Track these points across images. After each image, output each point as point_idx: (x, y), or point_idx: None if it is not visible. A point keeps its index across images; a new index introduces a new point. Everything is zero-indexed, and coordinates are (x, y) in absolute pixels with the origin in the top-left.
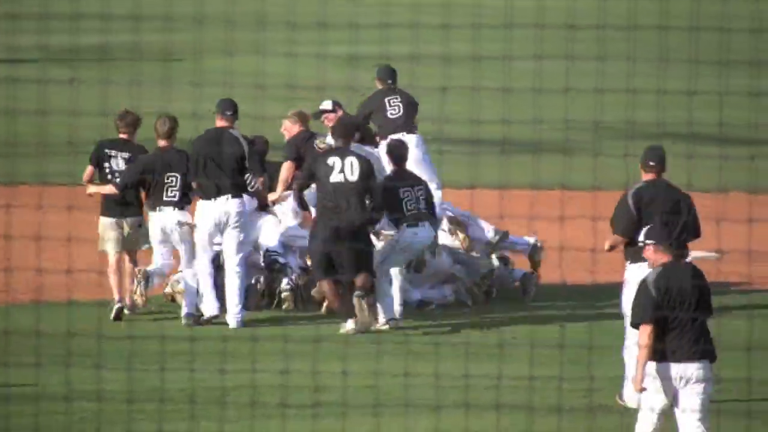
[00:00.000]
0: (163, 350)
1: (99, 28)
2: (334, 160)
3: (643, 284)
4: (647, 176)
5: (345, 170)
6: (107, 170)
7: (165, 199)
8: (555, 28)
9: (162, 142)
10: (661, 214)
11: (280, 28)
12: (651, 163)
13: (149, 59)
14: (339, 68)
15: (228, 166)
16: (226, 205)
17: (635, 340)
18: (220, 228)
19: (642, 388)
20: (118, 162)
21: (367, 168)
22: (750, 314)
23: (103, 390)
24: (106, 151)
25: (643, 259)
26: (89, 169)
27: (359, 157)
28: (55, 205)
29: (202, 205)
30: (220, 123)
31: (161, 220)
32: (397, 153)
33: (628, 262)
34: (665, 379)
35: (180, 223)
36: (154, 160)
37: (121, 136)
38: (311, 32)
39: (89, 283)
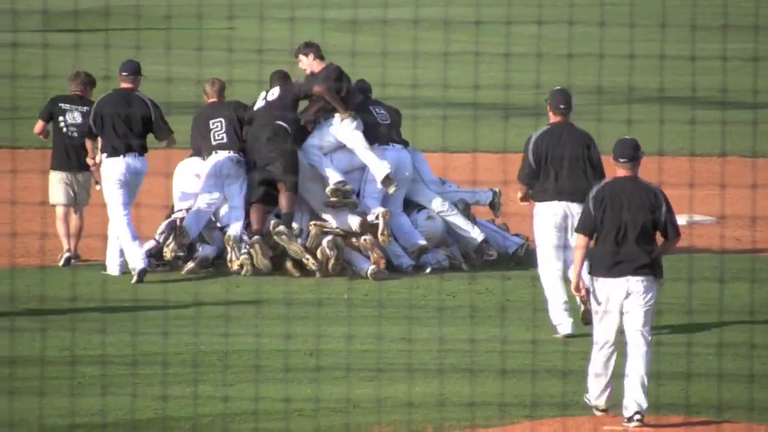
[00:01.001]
0: (166, 314)
1: None
2: (260, 95)
3: (588, 197)
4: (555, 119)
5: (267, 97)
6: (62, 124)
7: (214, 143)
8: None
9: (212, 100)
10: (569, 154)
11: None
12: (562, 106)
13: (150, 24)
14: (340, 32)
15: (135, 126)
16: (134, 162)
17: (547, 265)
18: (123, 184)
19: (581, 289)
20: (74, 115)
21: (290, 92)
22: (752, 279)
23: (106, 354)
24: (61, 105)
25: (549, 198)
26: (40, 123)
27: (282, 87)
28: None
29: (109, 162)
30: (123, 85)
31: (214, 161)
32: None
33: (536, 201)
34: (607, 290)
35: (234, 160)
36: (200, 113)
37: (75, 92)
38: None
39: (92, 248)
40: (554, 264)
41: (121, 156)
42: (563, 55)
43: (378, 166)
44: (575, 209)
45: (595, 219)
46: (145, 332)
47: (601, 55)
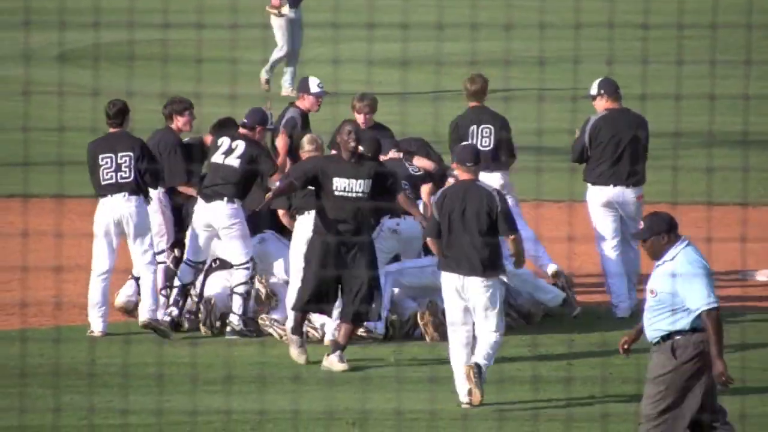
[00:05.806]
0: (194, 377)
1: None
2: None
3: (433, 203)
4: (611, 105)
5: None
6: None
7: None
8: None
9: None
10: (627, 138)
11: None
12: (620, 91)
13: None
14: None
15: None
16: None
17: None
18: None
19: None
20: None
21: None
22: None
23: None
24: None
25: (603, 183)
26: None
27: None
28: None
29: None
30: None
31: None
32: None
33: (591, 185)
34: (453, 288)
35: None
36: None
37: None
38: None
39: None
40: (611, 242)
41: None
42: (636, 95)
43: None
44: (629, 195)
45: (441, 222)
46: (171, 397)
47: (678, 96)
